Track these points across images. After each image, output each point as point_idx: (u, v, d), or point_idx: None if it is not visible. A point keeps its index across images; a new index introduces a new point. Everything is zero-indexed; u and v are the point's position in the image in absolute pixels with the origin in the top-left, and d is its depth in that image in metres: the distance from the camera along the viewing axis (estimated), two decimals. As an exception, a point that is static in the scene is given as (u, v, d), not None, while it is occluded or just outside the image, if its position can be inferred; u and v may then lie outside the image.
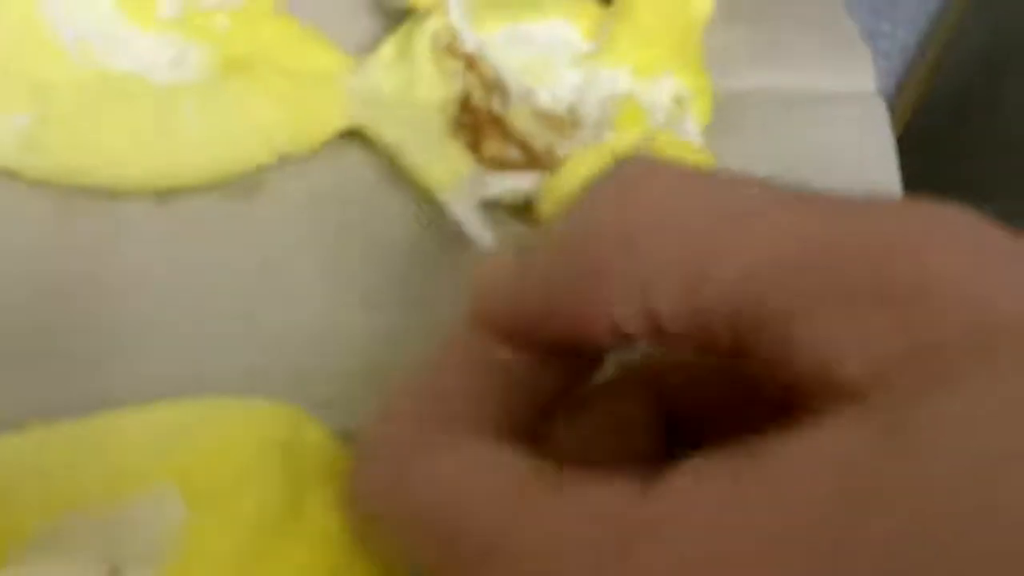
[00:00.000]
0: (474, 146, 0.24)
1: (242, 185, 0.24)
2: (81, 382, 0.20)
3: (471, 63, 0.23)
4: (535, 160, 0.23)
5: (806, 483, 0.13)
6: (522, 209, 0.24)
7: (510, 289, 0.17)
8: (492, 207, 0.24)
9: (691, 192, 0.16)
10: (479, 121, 0.23)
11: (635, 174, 0.16)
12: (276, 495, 0.18)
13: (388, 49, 0.25)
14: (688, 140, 0.24)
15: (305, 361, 0.21)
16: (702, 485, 0.14)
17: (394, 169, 0.24)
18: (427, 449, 0.16)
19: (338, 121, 0.24)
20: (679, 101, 0.25)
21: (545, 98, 0.24)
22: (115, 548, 0.17)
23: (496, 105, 0.24)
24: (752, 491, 0.13)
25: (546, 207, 0.24)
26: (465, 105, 0.24)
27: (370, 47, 0.25)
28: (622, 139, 0.24)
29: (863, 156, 0.27)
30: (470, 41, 0.24)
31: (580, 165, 0.23)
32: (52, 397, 0.20)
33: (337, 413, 0.19)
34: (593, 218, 0.16)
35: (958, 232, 0.15)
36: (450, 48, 0.24)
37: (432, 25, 0.24)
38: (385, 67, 0.24)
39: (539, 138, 0.24)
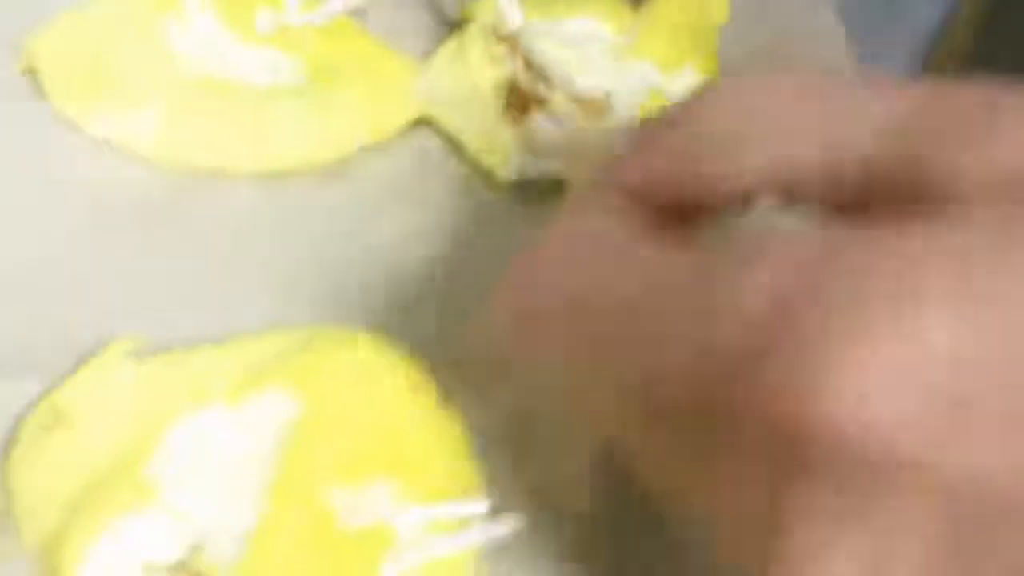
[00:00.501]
0: (526, 132, 0.28)
1: (331, 169, 0.28)
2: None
3: (514, 46, 0.28)
4: (569, 137, 0.28)
5: None
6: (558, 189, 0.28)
7: (639, 157, 0.20)
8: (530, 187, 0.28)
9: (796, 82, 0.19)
10: (526, 102, 0.28)
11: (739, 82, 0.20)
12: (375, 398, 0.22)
13: (446, 51, 0.29)
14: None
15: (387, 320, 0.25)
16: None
17: (456, 148, 0.29)
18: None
19: (409, 113, 0.29)
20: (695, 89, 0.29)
21: (582, 84, 0.28)
22: (244, 438, 0.22)
23: (541, 89, 0.28)
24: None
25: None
26: (513, 88, 0.28)
27: (431, 53, 0.30)
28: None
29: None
30: (514, 21, 0.28)
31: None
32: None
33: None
34: (718, 96, 0.20)
35: None
36: (496, 31, 0.28)
37: (483, 18, 0.28)
38: (444, 65, 0.29)
39: (575, 120, 0.28)
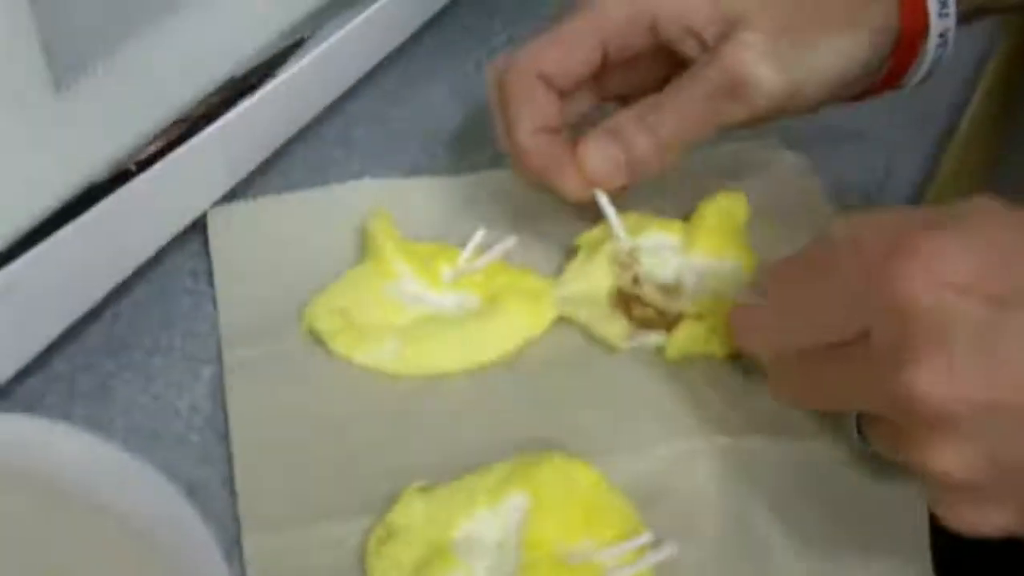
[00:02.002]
0: (628, 314, 0.43)
1: (510, 359, 0.43)
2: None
3: (627, 265, 0.43)
4: (661, 315, 0.43)
5: None
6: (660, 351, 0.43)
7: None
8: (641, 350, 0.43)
9: None
10: (628, 299, 0.43)
11: None
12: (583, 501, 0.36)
13: (571, 270, 0.45)
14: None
15: (568, 443, 0.40)
16: None
17: (587, 335, 0.44)
18: None
19: (551, 314, 0.44)
20: (735, 270, 0.44)
21: (661, 276, 0.44)
22: (500, 525, 0.36)
23: (636, 287, 0.43)
24: None
25: (671, 352, 0.43)
26: (620, 292, 0.43)
27: (558, 271, 0.45)
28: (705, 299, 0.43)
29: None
30: (628, 244, 0.43)
31: (689, 330, 0.42)
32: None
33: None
34: None
35: None
36: (617, 255, 0.43)
37: (609, 247, 0.44)
38: (572, 280, 0.44)
39: (661, 302, 0.43)
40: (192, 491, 0.38)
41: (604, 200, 0.43)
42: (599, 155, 0.43)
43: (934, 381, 0.29)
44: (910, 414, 0.30)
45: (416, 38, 0.59)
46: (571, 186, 0.43)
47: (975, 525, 0.31)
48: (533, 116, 0.43)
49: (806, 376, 0.35)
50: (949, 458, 0.30)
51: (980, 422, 0.29)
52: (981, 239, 0.31)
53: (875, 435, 0.34)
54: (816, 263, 0.34)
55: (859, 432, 0.38)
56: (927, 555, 0.37)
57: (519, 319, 0.44)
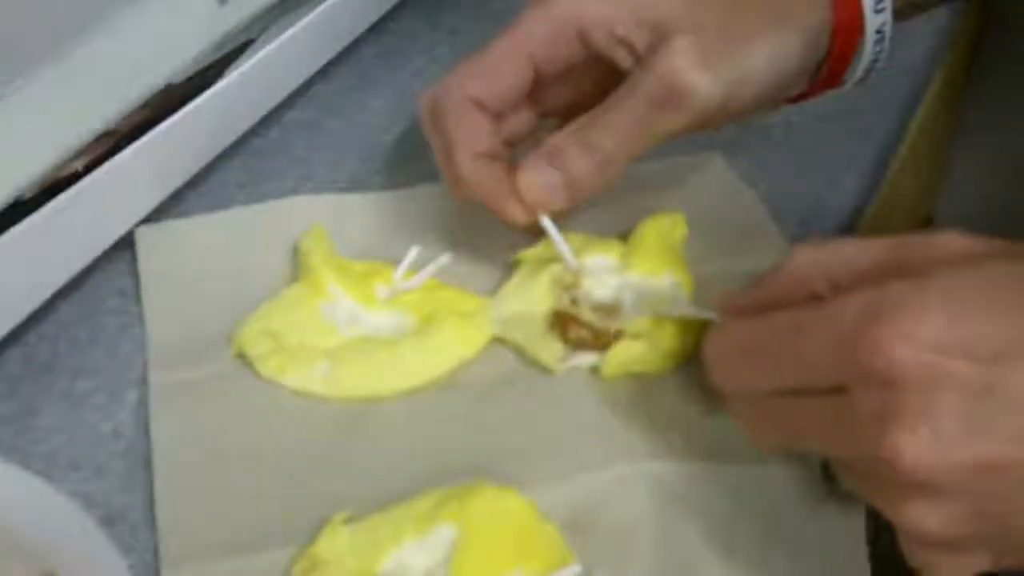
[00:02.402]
0: (564, 335, 0.43)
1: (443, 381, 0.42)
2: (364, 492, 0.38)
3: (569, 287, 0.43)
4: (597, 336, 0.42)
5: None
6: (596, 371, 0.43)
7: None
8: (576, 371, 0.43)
9: None
10: (566, 320, 0.42)
11: None
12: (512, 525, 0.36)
13: (507, 289, 0.44)
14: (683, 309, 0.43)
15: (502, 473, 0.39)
16: None
17: (522, 356, 0.43)
18: None
19: (486, 335, 0.43)
20: (673, 287, 0.43)
21: (600, 296, 0.43)
22: (428, 557, 0.35)
23: (573, 308, 0.42)
24: None
25: (608, 370, 0.42)
26: (557, 312, 0.43)
27: (493, 289, 0.45)
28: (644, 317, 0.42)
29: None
30: (574, 265, 0.43)
31: (625, 348, 0.42)
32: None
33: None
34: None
35: None
36: (560, 281, 0.43)
37: (553, 269, 0.43)
38: (508, 300, 0.44)
39: (598, 322, 0.42)
40: (112, 521, 0.38)
41: (549, 223, 0.43)
42: (538, 181, 0.42)
43: (922, 450, 0.29)
44: (893, 477, 0.30)
45: (355, 47, 0.58)
46: (513, 213, 0.42)
47: (949, 571, 0.31)
48: (469, 143, 0.42)
49: (777, 417, 0.34)
50: (932, 519, 0.30)
51: (968, 485, 0.29)
52: (962, 294, 0.30)
53: (846, 479, 0.34)
54: (787, 307, 0.33)
55: (824, 469, 0.38)
56: None
57: (453, 341, 0.43)
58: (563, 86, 0.45)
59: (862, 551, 0.38)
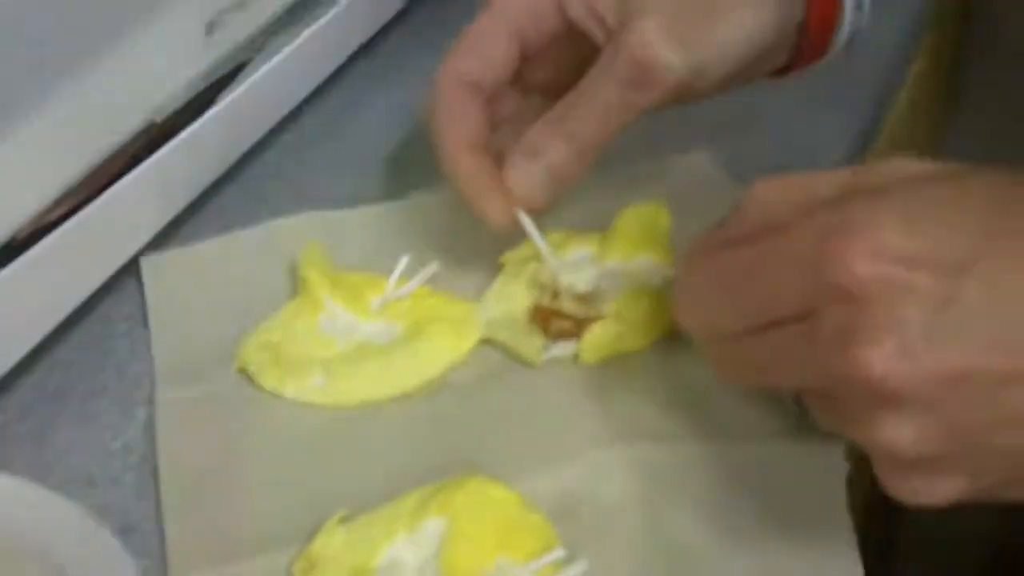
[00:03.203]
0: (545, 329, 0.44)
1: (434, 384, 0.44)
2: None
3: (548, 284, 0.45)
4: (579, 325, 0.44)
5: None
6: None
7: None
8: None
9: None
10: (546, 314, 0.44)
11: None
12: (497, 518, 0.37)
13: (491, 292, 0.46)
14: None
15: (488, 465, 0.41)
16: None
17: (506, 354, 0.45)
18: None
19: (474, 338, 0.45)
20: (648, 263, 0.45)
21: (580, 287, 0.44)
22: (419, 550, 0.37)
23: (555, 302, 0.44)
24: None
25: (586, 355, 0.44)
26: (538, 308, 0.44)
27: (481, 291, 0.46)
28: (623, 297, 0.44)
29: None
30: (554, 265, 0.44)
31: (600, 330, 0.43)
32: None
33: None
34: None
35: None
36: (537, 279, 0.45)
37: (531, 269, 0.45)
38: (492, 300, 0.45)
39: (579, 312, 0.44)
40: (127, 531, 0.40)
41: (526, 220, 0.44)
42: (524, 179, 0.43)
43: (889, 361, 0.29)
44: (864, 393, 0.30)
45: (346, 67, 0.60)
46: (493, 211, 0.43)
47: (925, 496, 0.31)
48: (459, 133, 0.43)
49: (746, 354, 0.34)
50: (904, 433, 0.30)
51: (937, 395, 0.29)
52: (920, 205, 0.30)
53: (817, 410, 0.34)
54: (750, 239, 0.33)
55: (798, 405, 0.38)
56: (855, 548, 0.38)
57: (442, 345, 0.45)
58: (544, 61, 0.45)
59: (845, 513, 0.39)
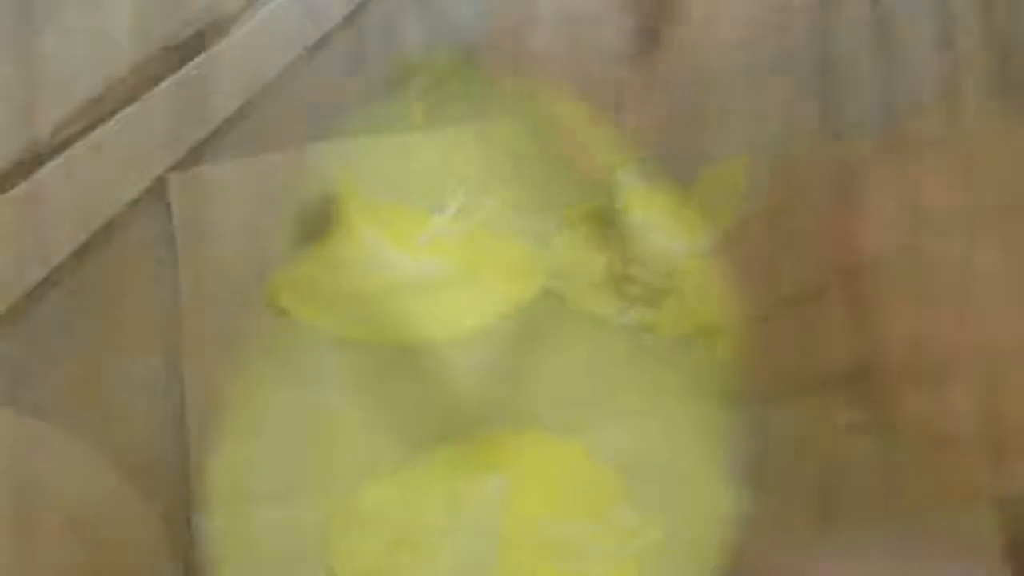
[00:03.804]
0: (618, 289, 0.41)
1: (485, 332, 0.40)
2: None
3: (627, 241, 0.41)
4: (652, 291, 0.40)
5: None
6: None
7: None
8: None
9: None
10: (620, 274, 0.40)
11: None
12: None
13: (562, 241, 0.42)
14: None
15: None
16: None
17: (572, 309, 0.41)
18: None
19: (535, 286, 0.41)
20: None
21: (657, 251, 0.41)
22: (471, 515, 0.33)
23: (627, 264, 0.40)
24: None
25: (663, 330, 0.40)
26: (611, 266, 0.41)
27: (544, 239, 0.43)
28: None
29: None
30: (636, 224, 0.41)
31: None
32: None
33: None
34: None
35: None
36: (618, 234, 0.41)
37: (611, 222, 0.41)
38: (561, 250, 0.42)
39: (653, 277, 0.40)
40: (145, 470, 0.36)
41: (622, 172, 0.41)
42: None
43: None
44: None
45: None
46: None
47: None
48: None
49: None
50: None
51: None
52: None
53: None
54: None
55: None
56: None
57: (499, 290, 0.41)
58: None
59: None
